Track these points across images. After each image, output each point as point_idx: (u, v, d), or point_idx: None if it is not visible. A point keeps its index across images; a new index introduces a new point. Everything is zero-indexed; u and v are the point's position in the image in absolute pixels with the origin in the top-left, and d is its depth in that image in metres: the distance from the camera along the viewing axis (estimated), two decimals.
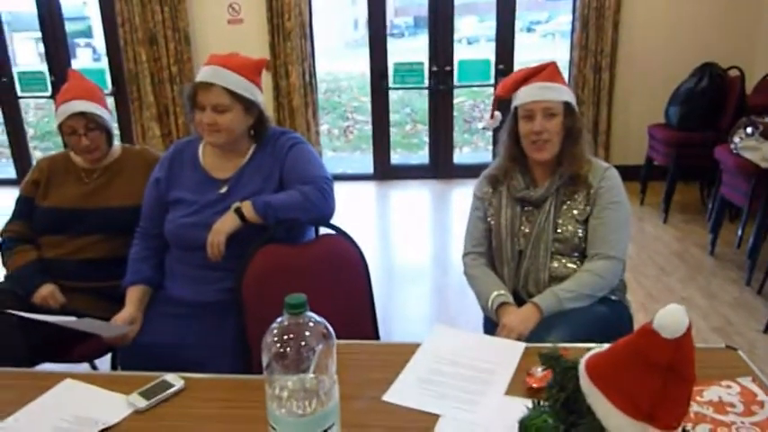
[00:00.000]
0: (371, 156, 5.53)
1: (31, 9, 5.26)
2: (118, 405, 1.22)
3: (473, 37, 10.74)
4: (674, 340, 0.66)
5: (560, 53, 5.26)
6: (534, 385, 1.21)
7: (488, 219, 1.84)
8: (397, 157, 5.74)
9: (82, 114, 1.95)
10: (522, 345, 1.39)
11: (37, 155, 6.02)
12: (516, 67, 5.36)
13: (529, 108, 1.72)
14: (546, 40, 12.74)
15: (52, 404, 1.23)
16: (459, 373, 1.29)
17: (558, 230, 1.74)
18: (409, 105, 8.50)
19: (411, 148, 7.55)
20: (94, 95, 2.01)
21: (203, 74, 1.79)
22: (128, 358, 1.80)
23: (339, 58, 10.81)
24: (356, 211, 4.81)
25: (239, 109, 1.79)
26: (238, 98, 1.78)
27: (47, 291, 1.91)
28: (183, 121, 5.11)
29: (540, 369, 1.24)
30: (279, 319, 0.90)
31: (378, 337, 1.88)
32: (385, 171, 5.48)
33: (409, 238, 4.31)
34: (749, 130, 3.33)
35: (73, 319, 1.63)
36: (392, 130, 5.56)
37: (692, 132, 4.14)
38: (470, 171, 5.38)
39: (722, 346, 1.35)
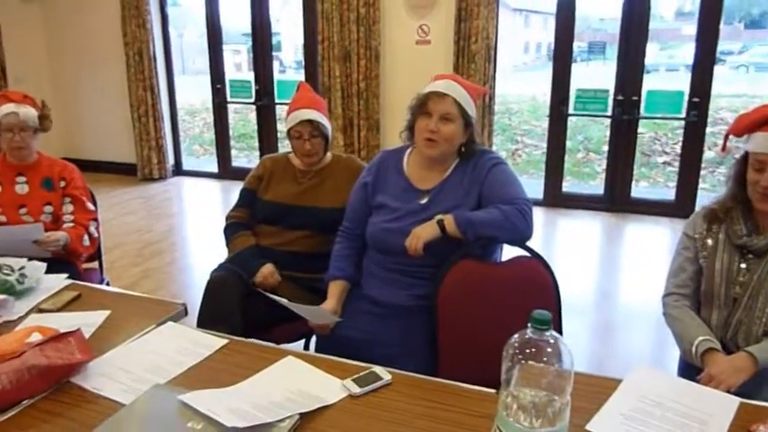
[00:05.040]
0: (542, 181, 5.43)
1: (235, 24, 5.94)
2: (334, 387, 1.33)
3: (652, 65, 10.14)
4: None
5: (761, 88, 4.78)
6: None
7: (700, 260, 1.74)
8: (567, 185, 5.57)
9: (309, 122, 2.18)
10: (737, 399, 1.30)
11: (234, 154, 6.72)
12: (713, 102, 4.99)
13: (761, 159, 1.59)
14: (737, 73, 11.60)
15: (278, 376, 1.38)
16: (665, 417, 1.24)
17: None
18: (583, 133, 8.21)
19: (582, 176, 7.27)
20: (320, 106, 2.25)
21: (437, 85, 1.91)
22: (323, 347, 1.95)
23: (508, 80, 10.78)
24: None
25: (461, 123, 1.89)
26: (463, 113, 1.89)
27: (267, 270, 2.13)
28: (364, 134, 5.41)
29: (763, 427, 1.17)
30: (523, 332, 0.94)
31: None
32: (556, 198, 5.35)
33: (575, 270, 4.16)
34: None
35: (289, 302, 1.82)
36: (564, 156, 5.43)
37: None
38: (648, 206, 5.11)
39: None
